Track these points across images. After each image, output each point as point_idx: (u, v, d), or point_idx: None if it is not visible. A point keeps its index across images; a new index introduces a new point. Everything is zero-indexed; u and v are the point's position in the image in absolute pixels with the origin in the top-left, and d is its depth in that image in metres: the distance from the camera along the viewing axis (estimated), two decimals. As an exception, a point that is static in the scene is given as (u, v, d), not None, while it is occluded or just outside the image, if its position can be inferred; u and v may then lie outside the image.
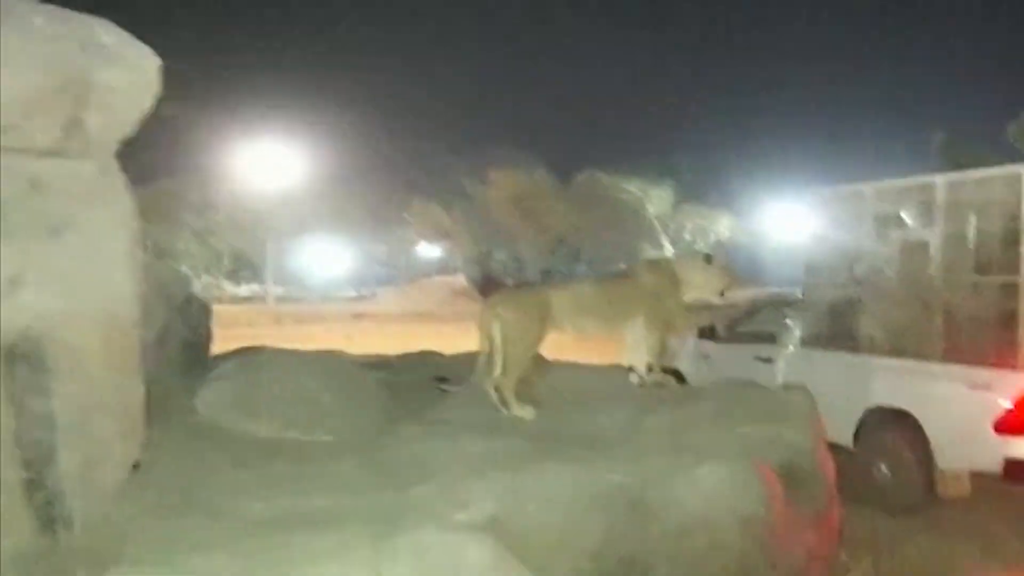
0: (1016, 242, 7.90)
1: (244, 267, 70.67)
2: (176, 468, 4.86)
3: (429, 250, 70.48)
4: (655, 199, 74.82)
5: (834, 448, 8.75)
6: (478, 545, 3.84)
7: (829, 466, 5.81)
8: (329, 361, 7.03)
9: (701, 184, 75.58)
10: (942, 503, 8.19)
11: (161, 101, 4.53)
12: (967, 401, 7.80)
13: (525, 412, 6.07)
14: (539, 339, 6.31)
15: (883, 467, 8.41)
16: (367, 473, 5.07)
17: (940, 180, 8.64)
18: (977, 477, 7.96)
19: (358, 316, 40.70)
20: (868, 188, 9.37)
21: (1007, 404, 7.51)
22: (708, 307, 7.76)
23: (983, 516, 8.12)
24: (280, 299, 58.78)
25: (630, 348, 6.73)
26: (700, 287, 6.83)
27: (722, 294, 6.93)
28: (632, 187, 73.98)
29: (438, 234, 69.63)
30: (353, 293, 66.46)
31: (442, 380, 6.52)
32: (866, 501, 8.33)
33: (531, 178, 70.35)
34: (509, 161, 70.43)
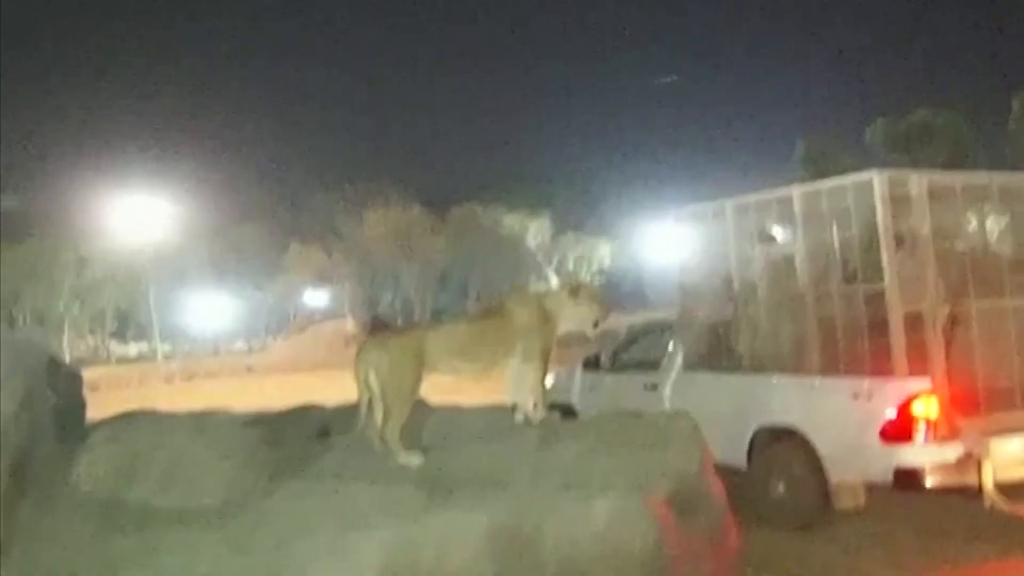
0: (878, 248, 7.92)
1: (129, 325, 69.20)
2: (49, 543, 4.75)
3: (314, 296, 69.73)
4: (533, 230, 75.38)
5: (729, 470, 8.82)
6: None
7: (720, 489, 5.74)
8: (208, 421, 6.78)
9: (578, 213, 76.40)
10: (839, 516, 8.18)
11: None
12: (851, 412, 7.83)
13: (412, 458, 5.90)
14: (417, 382, 6.17)
15: (778, 485, 8.40)
16: (250, 533, 4.92)
17: (796, 192, 8.66)
18: (872, 487, 7.94)
19: (249, 369, 40.06)
20: (728, 204, 9.35)
21: (890, 412, 7.55)
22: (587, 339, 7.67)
23: (882, 525, 8.18)
24: (169, 356, 57.60)
25: (512, 386, 6.60)
26: (571, 320, 6.73)
27: (595, 325, 6.84)
28: (509, 219, 74.42)
29: (319, 278, 69.02)
30: (244, 346, 65.48)
31: (324, 433, 6.30)
32: (765, 520, 8.31)
33: (406, 214, 70.25)
34: (383, 197, 70.23)
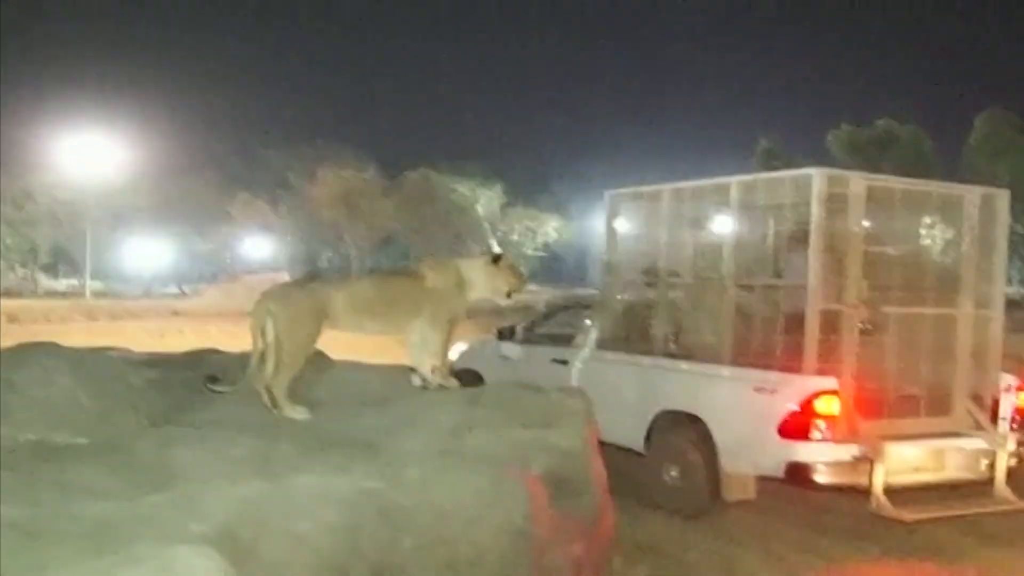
0: (806, 246, 7.86)
1: (63, 261, 68.44)
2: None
3: (255, 247, 69.14)
4: (484, 200, 75.37)
5: (627, 452, 8.79)
6: (197, 560, 3.49)
7: (601, 472, 5.65)
8: (94, 359, 6.57)
9: (531, 186, 76.52)
10: (729, 507, 8.15)
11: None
12: (753, 405, 7.78)
13: (297, 413, 5.84)
14: (314, 337, 6.07)
15: (672, 471, 8.35)
16: (112, 478, 4.69)
17: (734, 182, 8.56)
18: (764, 480, 7.89)
19: (176, 313, 39.58)
20: (666, 189, 9.25)
21: (791, 407, 7.49)
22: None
23: (768, 519, 8.18)
24: (99, 294, 56.91)
25: (412, 349, 6.52)
26: (486, 288, 6.67)
27: (508, 295, 6.77)
28: (462, 187, 74.36)
29: (263, 230, 68.52)
30: (175, 290, 64.80)
31: (213, 379, 6.12)
32: (656, 505, 8.38)
33: (360, 176, 69.94)
34: (338, 157, 69.97)
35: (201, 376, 6.37)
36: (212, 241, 70.15)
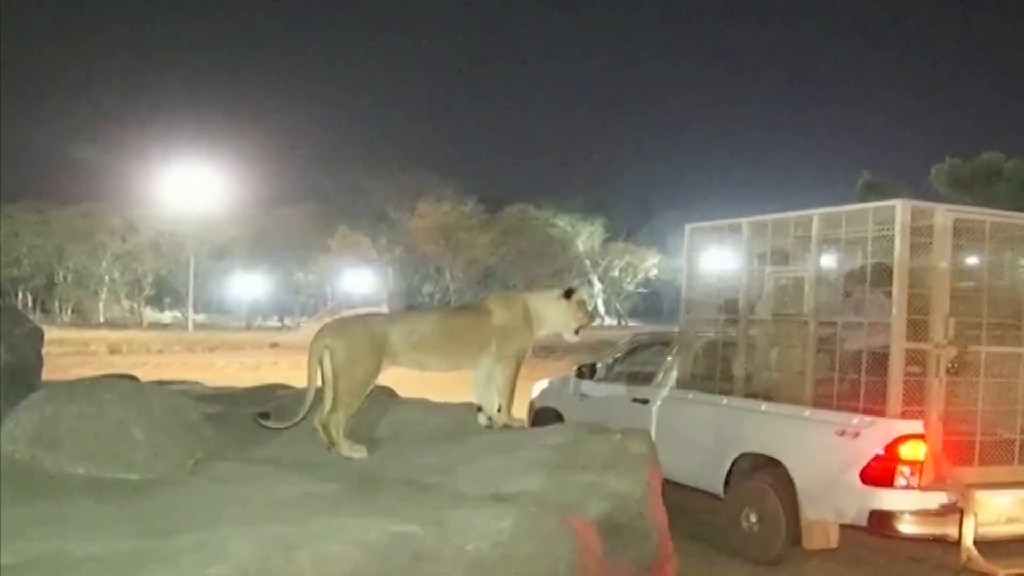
0: (888, 281, 7.51)
1: (167, 293, 69.98)
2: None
3: (355, 280, 69.86)
4: (585, 235, 75.25)
5: (706, 496, 8.49)
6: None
7: (663, 519, 5.38)
8: (152, 393, 6.52)
9: (634, 221, 76.15)
10: (809, 556, 7.82)
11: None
12: (835, 449, 7.43)
13: (354, 452, 5.72)
14: (373, 374, 5.91)
15: (751, 516, 8.03)
16: (151, 515, 4.62)
17: (816, 214, 8.25)
18: (849, 528, 7.53)
19: (274, 346, 40.07)
20: (746, 222, 8.97)
21: (875, 453, 7.14)
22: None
23: (850, 570, 7.87)
24: (201, 327, 57.98)
25: (478, 386, 6.35)
26: (555, 324, 6.48)
27: (576, 332, 6.55)
28: (562, 222, 74.35)
29: (363, 262, 69.15)
30: (277, 323, 65.84)
31: (264, 416, 6.01)
32: (733, 552, 8.11)
33: (459, 209, 70.37)
34: (438, 190, 70.48)
35: (266, 411, 6.29)
36: (312, 273, 71.05)
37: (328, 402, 5.77)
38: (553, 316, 6.44)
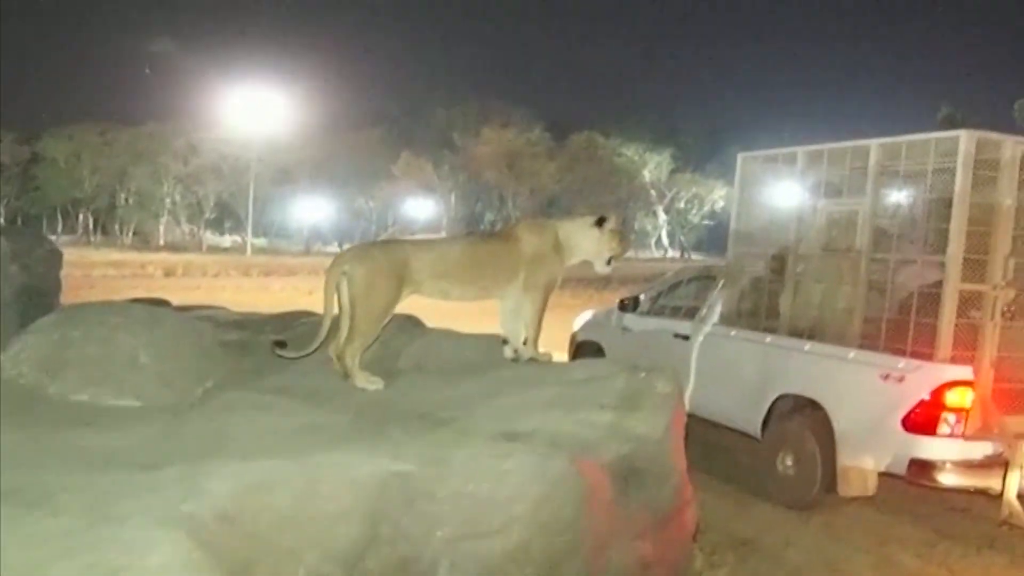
0: (947, 216, 7.13)
1: (228, 216, 70.40)
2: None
3: (417, 207, 69.82)
4: (652, 165, 74.56)
5: (743, 436, 8.23)
6: (165, 547, 3.17)
7: (682, 462, 5.11)
8: (168, 319, 6.36)
9: (702, 152, 75.24)
10: (845, 502, 7.57)
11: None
12: (878, 393, 7.12)
13: (370, 383, 5.46)
14: (391, 302, 5.63)
15: (787, 460, 7.78)
16: (145, 446, 4.45)
17: (874, 144, 7.85)
18: (888, 476, 7.24)
19: (328, 270, 40.22)
20: (801, 151, 8.58)
21: (920, 398, 6.83)
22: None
23: (886, 519, 7.58)
24: (260, 251, 58.33)
25: (504, 317, 6.06)
26: (586, 253, 6.15)
27: (609, 262, 6.22)
28: (629, 151, 73.66)
29: (425, 189, 69.07)
30: (336, 248, 66.27)
31: (281, 344, 5.80)
32: (766, 496, 7.88)
33: (525, 136, 69.91)
34: (504, 117, 69.98)
35: (288, 338, 6.11)
36: (374, 199, 71.05)
37: (344, 331, 5.53)
38: (585, 245, 6.11)
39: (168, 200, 68.02)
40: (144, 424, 4.80)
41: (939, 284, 7.12)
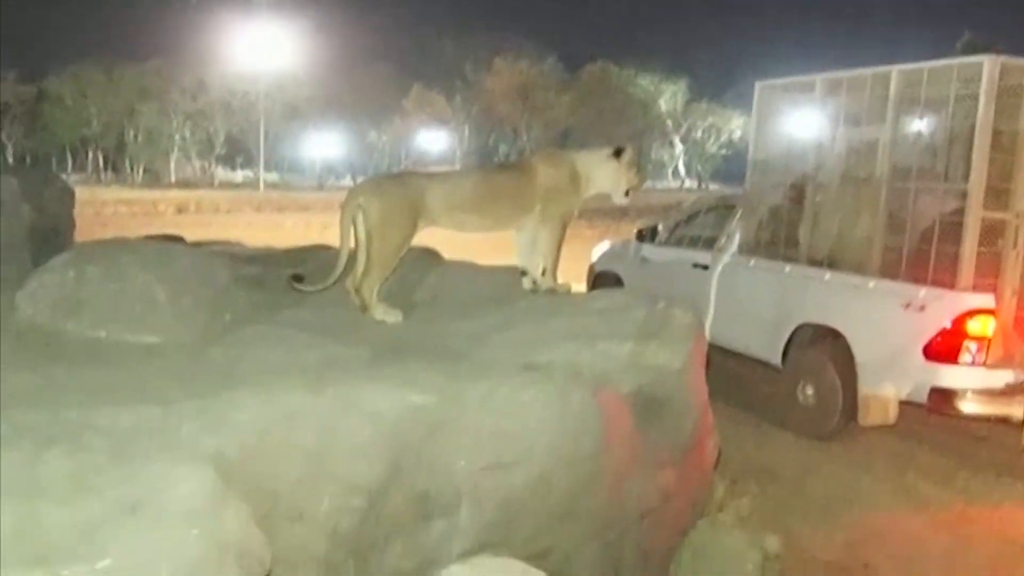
0: (970, 144, 7.04)
1: (239, 152, 70.21)
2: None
3: (429, 140, 69.47)
4: (667, 95, 73.96)
5: (763, 366, 8.20)
6: (189, 480, 3.16)
7: (703, 393, 5.10)
8: (182, 255, 6.31)
9: (717, 80, 74.57)
10: (866, 432, 7.57)
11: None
12: (899, 322, 7.10)
13: (388, 316, 5.42)
14: (408, 235, 5.57)
15: (808, 389, 7.77)
16: (163, 381, 4.40)
17: (895, 70, 7.74)
18: (909, 406, 7.21)
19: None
20: (819, 79, 8.47)
21: (941, 327, 6.81)
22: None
23: (907, 447, 7.60)
24: (272, 186, 58.22)
25: (521, 249, 6.00)
26: (603, 185, 6.05)
27: (627, 194, 6.14)
28: (644, 82, 73.05)
29: (437, 123, 68.69)
30: (349, 183, 66.24)
31: (298, 278, 5.76)
32: (786, 426, 7.89)
33: (538, 68, 69.35)
34: (516, 49, 69.36)
35: (303, 272, 6.07)
36: (386, 133, 70.75)
37: (361, 264, 5.48)
38: (602, 177, 6.01)
39: (178, 137, 67.83)
40: (163, 360, 4.75)
41: (961, 212, 7.04)
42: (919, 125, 7.74)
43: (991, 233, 7.03)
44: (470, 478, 3.91)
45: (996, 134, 7.01)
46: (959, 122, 7.25)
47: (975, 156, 6.98)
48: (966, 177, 7.08)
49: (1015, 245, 7.03)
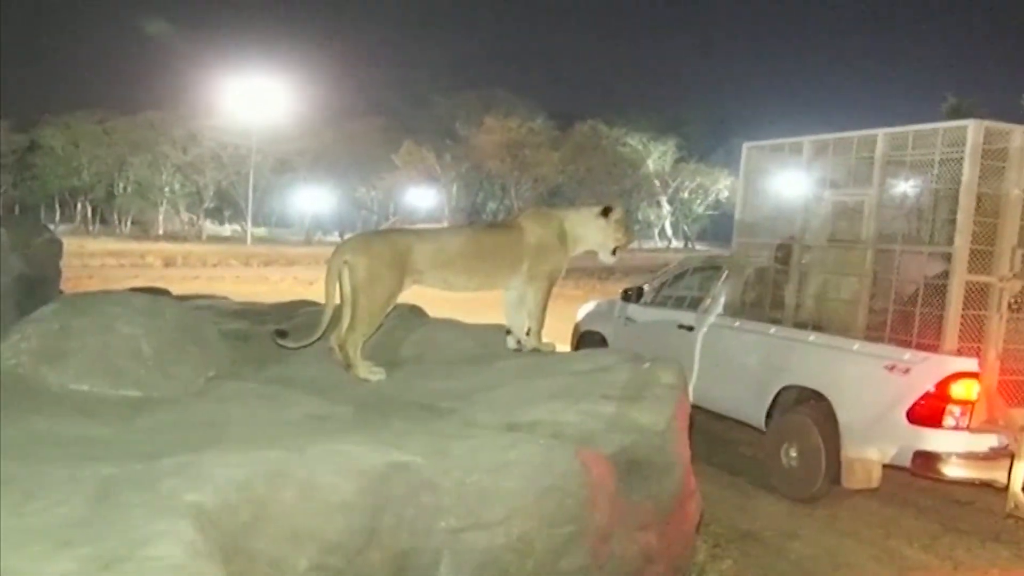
0: (954, 207, 7.10)
1: (227, 206, 70.37)
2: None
3: (419, 196, 69.71)
4: (656, 155, 74.38)
5: (747, 429, 8.20)
6: (167, 537, 3.12)
7: (686, 454, 5.07)
8: (168, 309, 6.31)
9: (707, 142, 75.07)
10: (849, 495, 7.53)
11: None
12: (882, 384, 7.09)
13: (371, 374, 5.43)
14: (394, 293, 5.58)
15: (791, 451, 7.73)
16: (145, 436, 4.41)
17: (881, 134, 7.80)
18: (893, 469, 7.20)
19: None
20: (807, 141, 8.53)
21: (924, 390, 6.80)
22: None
23: (890, 511, 7.57)
24: (260, 240, 58.31)
25: (508, 308, 6.02)
26: (591, 243, 6.09)
27: (614, 252, 6.16)
28: (633, 141, 73.50)
29: (427, 179, 68.93)
30: (338, 238, 66.39)
31: (282, 334, 5.76)
32: (770, 488, 7.86)
33: (528, 126, 69.73)
34: (507, 106, 69.79)
35: (288, 328, 6.07)
36: (376, 189, 70.94)
37: (346, 321, 5.50)
38: (590, 235, 6.06)
39: (167, 189, 68.00)
40: (145, 414, 4.76)
41: (945, 275, 7.08)
42: (904, 188, 7.81)
43: (975, 296, 7.04)
44: (451, 537, 3.88)
45: (980, 197, 7.06)
46: (944, 185, 7.31)
47: (960, 219, 7.03)
48: (951, 240, 7.12)
49: (998, 308, 7.05)
